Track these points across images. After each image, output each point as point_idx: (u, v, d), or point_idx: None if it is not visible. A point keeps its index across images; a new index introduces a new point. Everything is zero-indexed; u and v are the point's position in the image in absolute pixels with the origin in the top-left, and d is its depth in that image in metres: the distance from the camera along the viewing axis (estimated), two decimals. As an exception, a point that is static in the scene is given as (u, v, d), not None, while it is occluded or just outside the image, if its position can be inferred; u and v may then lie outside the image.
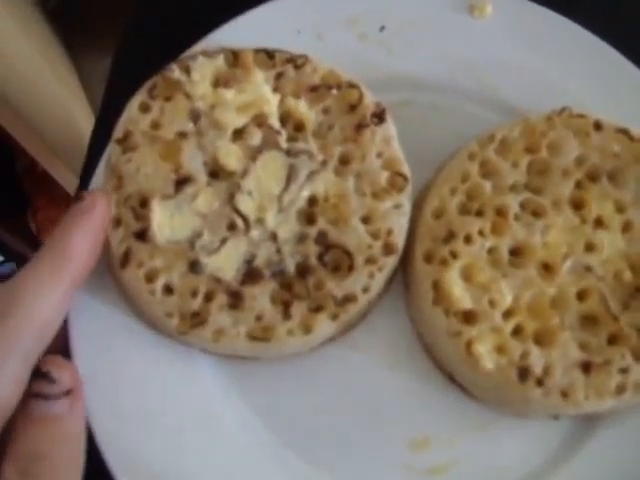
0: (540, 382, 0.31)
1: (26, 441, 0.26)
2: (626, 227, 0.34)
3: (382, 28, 0.39)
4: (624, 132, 0.35)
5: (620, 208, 0.34)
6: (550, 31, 0.39)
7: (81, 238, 0.29)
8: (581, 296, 0.33)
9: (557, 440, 0.34)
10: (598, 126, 0.35)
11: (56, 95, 0.76)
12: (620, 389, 0.31)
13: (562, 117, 0.35)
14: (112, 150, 0.34)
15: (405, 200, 0.34)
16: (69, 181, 0.84)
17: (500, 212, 0.34)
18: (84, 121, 0.80)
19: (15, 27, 0.72)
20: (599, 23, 0.38)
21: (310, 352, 0.34)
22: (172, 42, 0.37)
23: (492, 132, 0.35)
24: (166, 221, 0.33)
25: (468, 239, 0.33)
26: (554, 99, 0.36)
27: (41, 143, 0.76)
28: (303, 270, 0.33)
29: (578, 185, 0.34)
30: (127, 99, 0.35)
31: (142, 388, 0.34)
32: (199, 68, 0.35)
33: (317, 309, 0.32)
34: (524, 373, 0.31)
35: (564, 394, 0.31)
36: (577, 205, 0.34)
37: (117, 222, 0.33)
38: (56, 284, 0.27)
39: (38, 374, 0.27)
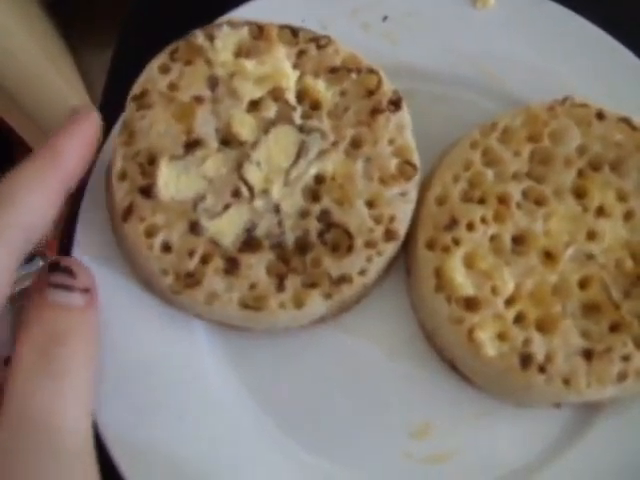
0: (542, 369, 0.31)
1: (45, 324, 0.26)
2: (628, 216, 0.34)
3: (385, 18, 0.40)
4: (626, 121, 0.35)
5: (622, 197, 0.34)
6: (552, 22, 0.39)
7: (71, 145, 0.29)
8: (583, 284, 0.33)
9: (558, 429, 0.34)
10: (600, 115, 0.35)
11: (56, 88, 0.76)
12: (621, 376, 0.31)
13: (564, 106, 0.35)
14: (127, 107, 0.34)
15: (412, 189, 0.34)
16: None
17: (502, 200, 0.34)
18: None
19: (15, 20, 0.72)
20: (600, 14, 0.39)
21: (302, 331, 0.34)
22: (172, 34, 0.37)
23: (495, 121, 0.35)
24: (172, 180, 0.33)
25: (470, 226, 0.33)
26: (556, 89, 0.36)
27: (42, 136, 0.76)
28: (302, 245, 0.33)
29: (580, 174, 0.34)
30: (127, 91, 0.35)
31: (136, 354, 0.34)
32: (223, 37, 0.35)
33: (311, 285, 0.32)
34: (526, 360, 0.31)
35: (566, 381, 0.31)
36: (579, 194, 0.34)
37: (123, 176, 0.33)
38: (43, 186, 0.28)
39: (59, 268, 0.28)
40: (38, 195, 0.28)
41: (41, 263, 0.87)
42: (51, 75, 0.76)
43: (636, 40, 0.38)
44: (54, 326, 0.26)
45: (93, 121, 0.31)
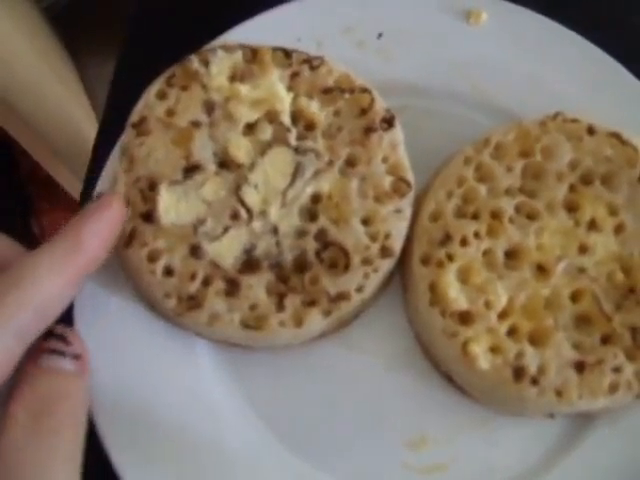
0: (535, 381, 0.32)
1: (39, 386, 0.27)
2: (618, 229, 0.34)
3: (379, 35, 0.40)
4: (616, 136, 0.35)
5: (613, 211, 0.35)
6: (544, 37, 0.40)
7: (94, 232, 0.30)
8: (575, 297, 0.33)
9: (553, 438, 0.35)
10: (591, 130, 0.35)
11: (59, 100, 0.77)
12: (613, 388, 0.32)
13: (556, 122, 0.36)
14: (127, 133, 0.35)
15: (406, 206, 0.34)
16: (72, 185, 0.85)
17: (495, 215, 0.35)
18: (87, 126, 0.81)
19: (18, 32, 0.73)
20: (592, 29, 0.39)
21: (302, 346, 0.35)
22: (174, 48, 0.38)
23: (487, 137, 0.36)
24: (172, 205, 0.34)
25: (464, 241, 0.34)
26: (548, 104, 0.37)
27: (44, 147, 0.77)
28: (300, 264, 0.34)
29: (572, 188, 0.35)
30: (130, 103, 0.36)
31: (140, 371, 0.35)
32: (218, 61, 0.36)
33: (310, 304, 0.33)
34: (519, 372, 0.32)
35: (558, 393, 0.32)
36: (571, 208, 0.35)
37: (125, 202, 0.33)
38: (62, 270, 0.28)
39: (53, 335, 0.29)
40: (56, 281, 0.28)
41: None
42: (53, 86, 0.76)
43: (627, 53, 0.39)
44: (46, 390, 0.27)
45: (117, 208, 0.31)
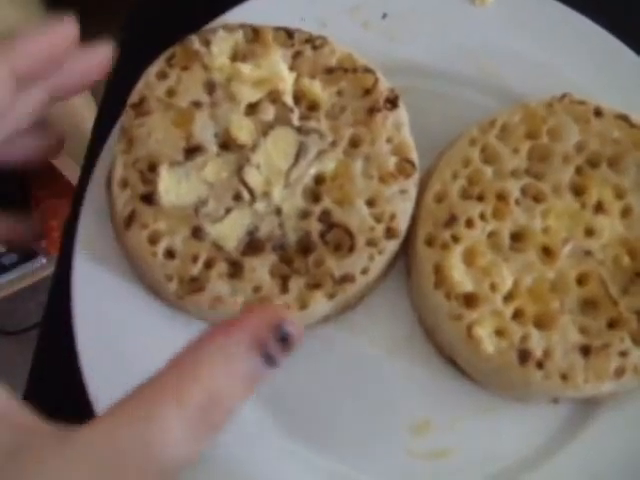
0: (540, 365, 0.32)
1: (217, 381, 0.23)
2: (625, 212, 0.34)
3: (384, 16, 0.40)
4: (624, 118, 0.35)
5: (620, 194, 0.34)
6: (549, 19, 0.39)
7: (32, 39, 0.30)
8: (581, 280, 0.33)
9: (557, 424, 0.35)
10: (598, 112, 0.35)
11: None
12: (619, 372, 0.31)
13: (562, 103, 0.35)
14: (126, 114, 0.34)
15: (411, 186, 0.34)
16: (71, 171, 0.84)
17: (501, 197, 0.34)
18: (86, 111, 0.80)
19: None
20: (598, 11, 0.39)
21: (305, 330, 0.33)
22: (174, 29, 0.37)
23: (493, 118, 0.36)
24: (173, 186, 0.33)
25: (469, 223, 0.34)
26: (554, 86, 0.37)
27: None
28: (304, 246, 0.33)
29: (578, 171, 0.35)
30: (130, 85, 0.35)
31: (140, 355, 0.34)
32: (219, 41, 0.35)
33: (315, 286, 0.32)
34: (524, 356, 0.32)
35: (564, 377, 0.31)
36: (577, 190, 0.34)
37: (124, 184, 0.33)
38: None
39: (280, 333, 0.24)
40: None
41: (44, 261, 0.88)
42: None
43: (634, 36, 0.38)
44: (224, 388, 0.23)
45: (68, 28, 0.32)
